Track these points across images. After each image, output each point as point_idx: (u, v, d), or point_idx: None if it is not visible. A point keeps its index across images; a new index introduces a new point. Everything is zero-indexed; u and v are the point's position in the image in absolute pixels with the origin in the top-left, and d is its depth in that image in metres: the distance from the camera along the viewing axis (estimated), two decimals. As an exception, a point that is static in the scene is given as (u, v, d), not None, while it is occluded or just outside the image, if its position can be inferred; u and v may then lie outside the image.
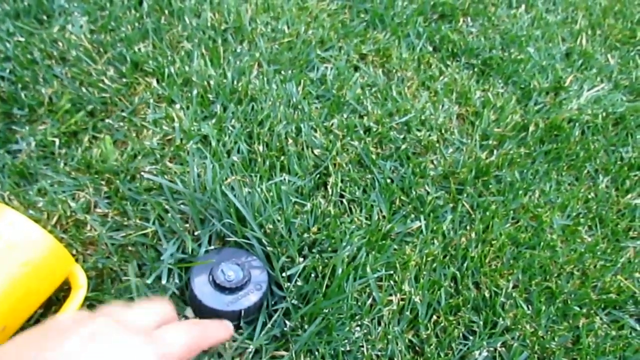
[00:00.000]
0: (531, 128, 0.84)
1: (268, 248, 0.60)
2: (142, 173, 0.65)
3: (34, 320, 0.54)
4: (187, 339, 0.42)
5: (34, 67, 0.73)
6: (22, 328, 0.53)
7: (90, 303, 0.56)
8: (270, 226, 0.61)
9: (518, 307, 0.62)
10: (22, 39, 0.76)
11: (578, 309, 0.63)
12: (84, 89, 0.73)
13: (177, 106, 0.73)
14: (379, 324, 0.59)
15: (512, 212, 0.72)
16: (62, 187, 0.63)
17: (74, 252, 0.59)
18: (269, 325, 0.56)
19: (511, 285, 0.64)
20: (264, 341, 0.56)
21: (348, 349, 0.56)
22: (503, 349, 0.59)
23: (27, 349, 0.36)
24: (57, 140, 0.67)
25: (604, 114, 0.90)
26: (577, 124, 0.87)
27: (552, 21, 1.09)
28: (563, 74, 0.96)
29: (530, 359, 0.59)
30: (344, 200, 0.69)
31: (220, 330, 0.50)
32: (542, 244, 0.69)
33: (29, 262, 0.49)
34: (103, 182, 0.64)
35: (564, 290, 0.65)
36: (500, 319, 0.61)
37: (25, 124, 0.69)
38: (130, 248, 0.60)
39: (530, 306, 0.63)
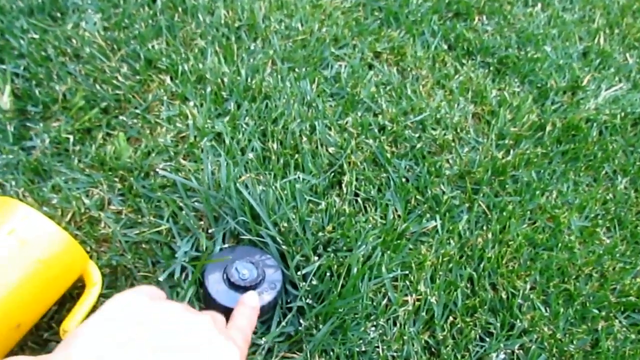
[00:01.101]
0: (548, 128, 0.83)
1: (282, 246, 0.59)
2: (157, 170, 0.64)
3: (48, 317, 0.54)
4: (246, 337, 0.45)
5: (47, 64, 0.73)
6: (37, 325, 0.53)
7: (104, 301, 0.55)
8: (285, 224, 0.61)
9: (536, 309, 0.61)
10: (36, 36, 0.76)
11: (597, 311, 0.62)
12: (97, 86, 0.72)
13: (191, 103, 0.73)
14: (395, 324, 0.58)
15: (529, 212, 0.71)
16: (76, 184, 0.63)
17: (88, 249, 0.58)
18: (283, 324, 0.56)
19: (528, 286, 0.63)
20: (278, 340, 0.55)
21: (363, 349, 0.55)
22: (520, 351, 0.58)
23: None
24: (71, 137, 0.67)
25: (622, 114, 0.88)
26: (594, 124, 0.85)
27: (569, 20, 1.07)
28: (580, 74, 0.95)
29: (548, 362, 0.58)
30: (359, 199, 0.68)
31: (250, 322, 0.50)
32: (559, 245, 0.68)
33: (44, 258, 0.49)
34: (117, 179, 0.64)
35: (583, 292, 0.64)
36: (518, 320, 0.60)
37: (40, 121, 0.69)
38: (144, 245, 0.59)
39: (548, 308, 0.62)
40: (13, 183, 0.61)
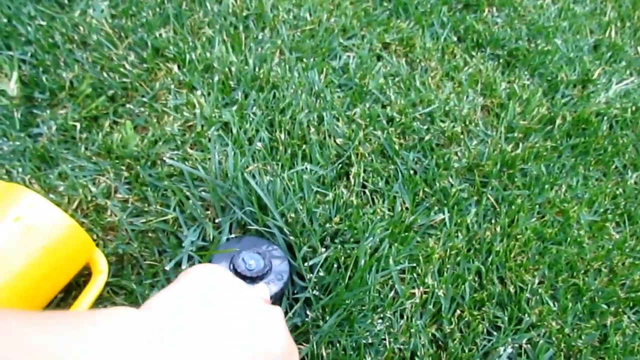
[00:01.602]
0: (558, 121, 0.82)
1: (290, 237, 0.59)
2: (165, 159, 0.64)
3: (54, 305, 0.54)
4: None
5: (55, 51, 0.73)
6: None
7: (111, 289, 0.55)
8: (292, 215, 0.60)
9: (544, 304, 0.61)
10: (44, 23, 0.75)
11: (605, 307, 0.62)
12: (104, 74, 0.72)
13: (198, 92, 0.72)
14: (402, 317, 0.58)
15: (537, 206, 0.70)
16: (83, 172, 0.63)
17: (95, 237, 0.58)
18: (289, 315, 0.55)
19: (537, 281, 0.63)
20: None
21: (370, 341, 0.55)
22: (528, 345, 0.58)
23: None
24: (78, 125, 0.66)
25: (633, 108, 0.87)
26: (605, 118, 0.84)
27: (579, 12, 1.06)
28: (591, 67, 0.93)
29: (556, 357, 0.57)
30: (367, 191, 0.67)
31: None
32: (568, 239, 0.67)
33: (50, 245, 0.49)
34: (123, 168, 0.64)
35: (591, 287, 0.63)
36: (526, 315, 0.59)
37: (46, 108, 0.69)
38: (150, 234, 0.59)
39: (556, 303, 0.62)
40: (20, 170, 0.61)
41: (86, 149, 0.65)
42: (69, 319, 0.30)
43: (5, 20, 0.75)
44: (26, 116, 0.67)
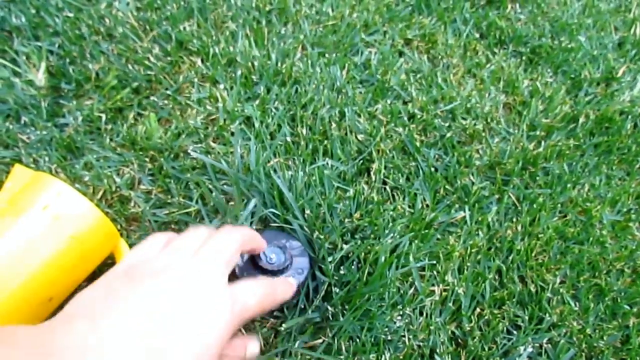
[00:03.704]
0: (581, 119, 0.81)
1: (310, 232, 0.59)
2: (189, 151, 0.64)
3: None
4: (261, 296, 0.43)
5: (81, 43, 0.74)
6: (67, 301, 0.54)
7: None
8: (313, 210, 0.60)
9: (565, 304, 0.60)
10: (71, 15, 0.76)
11: (628, 307, 0.61)
12: (129, 66, 0.73)
13: (221, 86, 0.73)
14: (421, 314, 0.58)
15: (559, 205, 0.70)
16: (108, 162, 0.64)
17: (118, 227, 0.59)
18: (308, 310, 0.56)
19: (558, 280, 0.62)
20: (302, 325, 0.55)
21: (389, 338, 0.55)
22: (549, 345, 0.58)
23: (99, 298, 0.37)
24: (103, 116, 0.67)
25: (659, 107, 0.86)
26: (629, 117, 0.83)
27: (604, 9, 1.05)
28: (615, 65, 0.92)
29: (577, 357, 0.57)
30: (387, 187, 0.67)
31: (287, 288, 0.50)
32: (591, 239, 0.67)
33: (76, 234, 0.50)
34: (147, 159, 0.65)
35: (614, 287, 0.63)
36: (547, 314, 0.59)
37: (73, 99, 0.70)
38: (173, 226, 0.60)
39: (577, 303, 0.61)
40: (46, 159, 0.62)
41: (111, 140, 0.66)
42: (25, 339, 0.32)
43: (33, 11, 0.76)
44: (53, 106, 0.68)
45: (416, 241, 0.62)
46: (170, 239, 0.44)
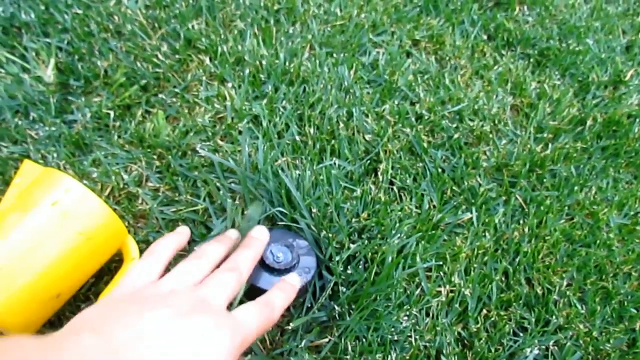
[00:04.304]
0: (588, 122, 0.81)
1: (317, 231, 0.59)
2: (197, 149, 0.64)
3: (86, 289, 0.55)
4: (260, 322, 0.44)
5: (90, 40, 0.74)
6: (75, 296, 0.54)
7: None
8: (320, 210, 0.60)
9: (572, 306, 0.60)
10: (80, 12, 0.77)
11: (635, 311, 0.61)
12: (138, 64, 0.73)
13: (229, 85, 0.73)
14: (427, 314, 0.58)
15: (566, 208, 0.70)
16: (116, 159, 0.64)
17: (126, 224, 0.59)
18: (314, 309, 0.56)
19: (565, 283, 0.62)
20: (308, 323, 0.55)
21: (396, 338, 0.55)
22: (555, 347, 0.58)
23: (107, 316, 0.37)
24: (111, 113, 0.67)
25: (666, 111, 0.86)
26: (637, 120, 0.83)
27: (612, 12, 1.04)
28: (623, 68, 0.92)
29: (583, 360, 0.57)
30: (394, 188, 0.67)
31: (285, 297, 0.50)
32: (597, 242, 0.67)
33: (85, 231, 0.50)
34: (155, 157, 0.65)
35: (620, 291, 0.63)
36: (553, 317, 0.59)
37: (81, 95, 0.70)
38: (180, 223, 0.60)
39: (584, 306, 0.61)
40: (55, 155, 0.62)
41: (119, 137, 0.66)
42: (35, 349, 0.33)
43: (43, 7, 0.76)
44: (61, 102, 0.68)
45: (423, 242, 0.62)
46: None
